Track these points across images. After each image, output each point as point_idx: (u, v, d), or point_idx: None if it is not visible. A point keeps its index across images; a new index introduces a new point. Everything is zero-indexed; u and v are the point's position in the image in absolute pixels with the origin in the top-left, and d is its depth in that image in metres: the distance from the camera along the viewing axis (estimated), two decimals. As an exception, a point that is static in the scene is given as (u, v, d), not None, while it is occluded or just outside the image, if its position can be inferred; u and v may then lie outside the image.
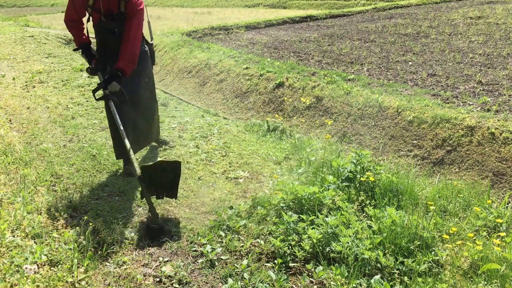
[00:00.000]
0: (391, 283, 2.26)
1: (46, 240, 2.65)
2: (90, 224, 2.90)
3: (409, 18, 12.09)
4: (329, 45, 9.01)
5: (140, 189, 3.01)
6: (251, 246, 2.67)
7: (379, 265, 2.40)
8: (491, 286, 2.22)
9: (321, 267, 2.39)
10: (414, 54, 7.61)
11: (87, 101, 6.03)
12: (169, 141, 4.52)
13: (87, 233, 2.76)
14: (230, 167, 3.93)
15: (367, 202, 2.99)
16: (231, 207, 3.13)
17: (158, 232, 2.81)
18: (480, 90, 5.31)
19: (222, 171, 3.83)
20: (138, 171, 2.91)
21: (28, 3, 35.79)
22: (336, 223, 2.62)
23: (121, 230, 2.85)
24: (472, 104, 4.73)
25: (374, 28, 10.74)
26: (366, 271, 2.37)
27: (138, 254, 2.63)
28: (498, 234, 2.70)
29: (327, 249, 2.54)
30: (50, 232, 2.73)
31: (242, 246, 2.66)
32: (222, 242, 2.71)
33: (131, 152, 3.13)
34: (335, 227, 2.62)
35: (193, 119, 5.33)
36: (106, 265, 2.50)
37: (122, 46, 3.39)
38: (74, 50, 3.78)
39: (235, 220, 2.92)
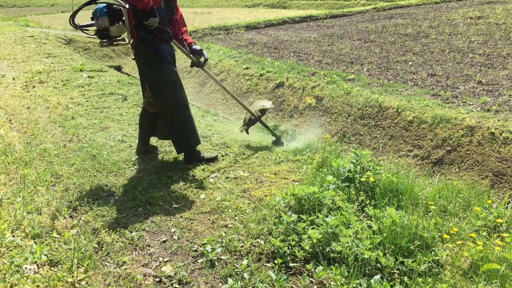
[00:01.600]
0: (391, 283, 2.26)
1: (46, 240, 2.65)
2: (90, 224, 2.91)
3: (409, 18, 12.09)
4: (329, 45, 9.01)
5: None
6: (251, 246, 2.68)
7: (379, 265, 2.40)
8: (491, 286, 2.22)
9: (321, 267, 2.39)
10: (414, 54, 7.61)
11: (87, 101, 6.04)
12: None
13: (87, 233, 2.76)
14: (230, 167, 3.93)
15: (367, 202, 2.99)
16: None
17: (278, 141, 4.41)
18: (480, 90, 5.32)
19: (222, 171, 3.83)
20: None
21: (28, 3, 35.81)
22: (336, 223, 2.62)
23: (121, 230, 2.85)
24: (472, 104, 4.73)
25: (374, 28, 10.74)
26: (366, 271, 2.37)
27: (138, 254, 2.63)
28: (498, 234, 2.70)
29: (327, 249, 2.54)
30: (50, 232, 2.73)
31: (242, 246, 2.67)
32: (222, 242, 2.71)
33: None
34: (335, 227, 2.62)
35: (193, 119, 5.33)
36: (106, 265, 2.50)
37: (183, 27, 3.95)
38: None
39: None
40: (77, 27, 3.53)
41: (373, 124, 5.00)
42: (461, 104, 4.79)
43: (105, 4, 3.47)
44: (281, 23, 12.97)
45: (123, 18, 3.46)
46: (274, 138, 4.64)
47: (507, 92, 5.11)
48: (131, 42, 3.63)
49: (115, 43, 3.57)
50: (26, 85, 6.85)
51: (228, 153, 4.25)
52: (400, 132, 4.71)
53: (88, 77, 7.41)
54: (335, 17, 13.88)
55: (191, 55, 3.94)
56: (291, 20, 13.27)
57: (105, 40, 3.53)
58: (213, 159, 4.03)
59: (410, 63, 7.01)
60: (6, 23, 15.26)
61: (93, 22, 3.51)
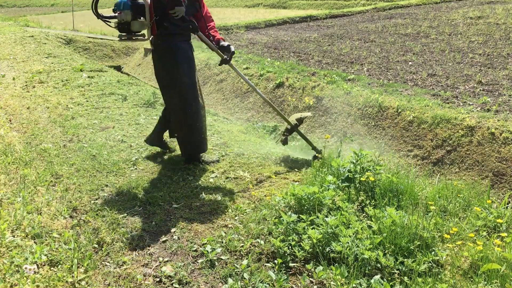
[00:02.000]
0: (391, 283, 2.26)
1: (46, 240, 2.65)
2: (90, 224, 2.91)
3: (409, 18, 12.10)
4: (329, 45, 9.01)
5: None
6: (251, 246, 2.68)
7: (379, 265, 2.40)
8: (491, 286, 2.22)
9: (321, 267, 2.39)
10: (414, 54, 7.61)
11: (87, 101, 6.04)
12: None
13: (87, 233, 2.76)
14: (230, 167, 3.92)
15: (367, 202, 2.99)
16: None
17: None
18: (480, 90, 5.32)
19: (222, 171, 3.83)
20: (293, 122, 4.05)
21: (28, 3, 35.81)
22: (336, 223, 2.62)
23: (121, 230, 2.85)
24: (472, 104, 4.73)
25: (374, 28, 10.74)
26: (366, 271, 2.37)
27: (138, 254, 2.63)
28: (498, 234, 2.69)
29: (327, 249, 2.54)
30: (50, 232, 2.73)
31: (242, 246, 2.67)
32: (222, 242, 2.71)
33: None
34: (335, 227, 2.62)
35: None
36: (106, 265, 2.50)
37: (212, 23, 3.89)
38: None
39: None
40: (100, 16, 3.50)
41: (373, 124, 5.00)
42: (461, 104, 4.79)
43: None
44: (281, 23, 12.97)
45: (145, 14, 3.43)
46: (314, 153, 4.12)
47: (507, 92, 5.11)
48: (150, 39, 3.59)
49: (133, 38, 3.53)
50: (26, 85, 6.85)
51: (228, 153, 4.24)
52: (400, 132, 4.71)
53: (88, 77, 7.41)
54: (335, 17, 13.88)
55: (219, 51, 3.79)
56: (291, 20, 13.27)
57: (124, 34, 3.49)
58: (213, 162, 4.01)
59: (410, 63, 7.01)
60: (6, 23, 15.26)
61: (116, 14, 3.47)
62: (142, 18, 3.46)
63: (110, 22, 3.57)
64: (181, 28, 3.55)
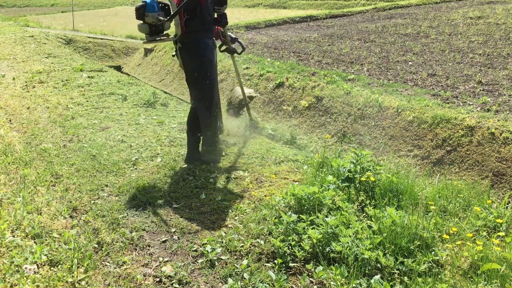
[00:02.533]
0: (391, 283, 2.26)
1: (46, 240, 2.65)
2: (90, 224, 2.91)
3: (409, 18, 12.10)
4: (329, 45, 9.01)
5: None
6: (251, 246, 2.68)
7: (379, 265, 2.40)
8: (491, 286, 2.22)
9: (321, 267, 2.39)
10: (414, 54, 7.61)
11: (87, 101, 6.03)
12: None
13: (87, 233, 2.76)
14: (230, 167, 3.92)
15: (367, 202, 2.99)
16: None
17: None
18: (480, 90, 5.32)
19: (222, 171, 3.83)
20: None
21: (28, 3, 35.81)
22: (336, 223, 2.62)
23: (121, 230, 2.85)
24: (472, 104, 4.73)
25: (374, 28, 10.74)
26: (366, 271, 2.37)
27: (138, 254, 2.63)
28: (498, 234, 2.70)
29: (327, 249, 2.54)
30: (50, 232, 2.73)
31: (242, 246, 2.67)
32: (222, 242, 2.71)
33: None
34: (335, 227, 2.62)
35: (193, 119, 5.33)
36: (106, 265, 2.50)
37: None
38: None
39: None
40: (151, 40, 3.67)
41: (373, 124, 5.00)
42: (461, 104, 4.79)
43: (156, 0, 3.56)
44: (281, 23, 12.96)
45: (172, 14, 3.53)
46: (250, 124, 4.90)
47: (507, 92, 5.11)
48: (175, 38, 3.68)
49: (157, 39, 3.64)
50: (26, 85, 6.86)
51: (228, 153, 4.24)
52: (400, 132, 4.71)
53: (88, 77, 7.41)
54: (335, 17, 13.88)
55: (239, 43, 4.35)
56: (291, 20, 13.26)
57: (154, 35, 3.59)
58: (214, 162, 4.01)
59: (410, 63, 7.01)
60: (6, 23, 15.26)
61: (159, 17, 3.54)
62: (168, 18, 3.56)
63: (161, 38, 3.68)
64: (208, 24, 3.76)
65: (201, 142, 4.04)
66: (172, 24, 3.58)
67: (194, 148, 3.99)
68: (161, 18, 3.48)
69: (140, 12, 3.49)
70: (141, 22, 3.56)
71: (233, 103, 5.28)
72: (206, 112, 3.87)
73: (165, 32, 3.64)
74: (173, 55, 4.02)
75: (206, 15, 3.69)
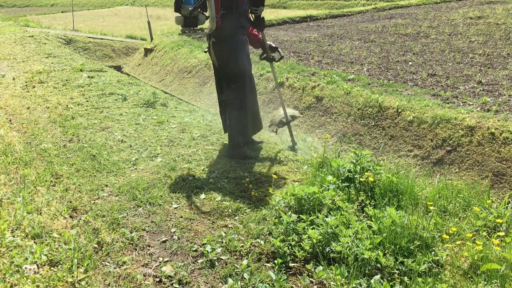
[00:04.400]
0: (391, 283, 2.26)
1: (46, 240, 2.65)
2: (90, 224, 2.91)
3: (409, 18, 12.10)
4: (329, 45, 9.01)
5: None
6: (251, 246, 2.68)
7: (379, 265, 2.40)
8: (491, 286, 2.22)
9: (321, 267, 2.39)
10: (414, 54, 7.61)
11: (87, 101, 6.04)
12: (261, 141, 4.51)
13: (87, 233, 2.76)
14: (230, 167, 3.93)
15: (367, 202, 2.99)
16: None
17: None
18: (480, 90, 5.32)
19: (222, 171, 3.83)
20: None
21: (28, 3, 35.82)
22: (336, 223, 2.62)
23: (121, 230, 2.85)
24: (472, 104, 4.73)
25: (374, 28, 10.74)
26: (366, 271, 2.37)
27: (138, 254, 2.63)
28: (498, 234, 2.70)
29: (327, 249, 2.54)
30: (50, 232, 2.73)
31: (242, 246, 2.67)
32: (222, 242, 2.71)
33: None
34: (335, 227, 2.62)
35: (193, 119, 5.33)
36: (106, 265, 2.50)
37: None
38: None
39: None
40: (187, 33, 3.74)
41: (373, 124, 5.00)
42: (461, 104, 4.79)
43: None
44: (281, 23, 12.96)
45: (208, 8, 3.61)
46: (291, 144, 4.66)
47: (507, 92, 5.11)
48: (209, 32, 3.74)
49: (190, 31, 3.70)
50: (26, 85, 6.86)
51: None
52: (400, 132, 4.71)
53: (88, 77, 7.42)
54: (335, 17, 13.88)
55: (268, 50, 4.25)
56: (291, 20, 13.26)
57: (189, 28, 3.66)
58: (253, 157, 4.08)
59: (410, 63, 7.01)
60: (6, 23, 15.27)
61: (190, 9, 3.62)
62: (205, 12, 3.68)
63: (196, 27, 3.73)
64: (243, 22, 3.81)
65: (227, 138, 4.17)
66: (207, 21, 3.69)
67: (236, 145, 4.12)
68: (192, 10, 3.57)
69: (178, 4, 3.62)
70: (178, 14, 3.67)
71: (275, 122, 4.92)
72: (236, 111, 3.95)
73: (199, 27, 3.71)
74: (205, 51, 4.09)
75: (242, 13, 3.77)
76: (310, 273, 2.43)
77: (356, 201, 3.02)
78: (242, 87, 3.90)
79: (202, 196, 3.36)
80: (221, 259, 2.56)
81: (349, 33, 10.40)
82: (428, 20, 11.32)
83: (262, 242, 2.68)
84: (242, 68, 3.86)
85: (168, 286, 2.35)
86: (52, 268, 2.39)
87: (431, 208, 2.88)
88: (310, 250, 2.55)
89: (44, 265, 2.40)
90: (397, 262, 2.41)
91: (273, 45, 4.27)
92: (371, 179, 3.07)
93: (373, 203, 2.97)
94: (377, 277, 2.28)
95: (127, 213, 3.10)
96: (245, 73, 3.89)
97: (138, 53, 11.26)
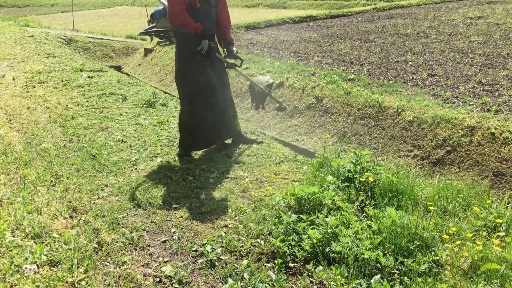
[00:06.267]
0: (391, 283, 2.26)
1: (46, 240, 2.65)
2: (90, 224, 2.91)
3: (409, 18, 12.10)
4: (329, 45, 9.01)
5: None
6: (251, 246, 2.68)
7: (379, 265, 2.40)
8: (491, 286, 2.22)
9: (321, 267, 2.39)
10: (414, 54, 7.61)
11: (87, 101, 6.04)
12: (256, 138, 4.66)
13: (87, 233, 2.76)
14: (230, 167, 3.92)
15: (367, 202, 2.99)
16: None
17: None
18: (480, 90, 5.31)
19: (222, 171, 3.83)
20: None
21: (28, 3, 35.81)
22: (336, 223, 2.62)
23: (121, 230, 2.85)
24: (472, 104, 4.73)
25: (374, 28, 10.74)
26: (366, 271, 2.37)
27: (138, 254, 2.63)
28: (498, 234, 2.70)
29: (327, 249, 2.54)
30: (50, 232, 2.73)
31: (242, 246, 2.67)
32: (222, 242, 2.71)
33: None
34: (335, 227, 2.62)
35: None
36: (106, 265, 2.50)
37: (227, 22, 4.17)
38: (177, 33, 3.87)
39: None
40: (143, 33, 4.04)
41: (373, 124, 5.00)
42: (461, 104, 4.79)
43: (162, 7, 3.94)
44: (281, 23, 12.96)
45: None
46: (277, 105, 5.12)
47: (507, 92, 5.11)
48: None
49: (168, 42, 3.92)
50: (26, 85, 6.86)
51: (227, 153, 4.24)
52: (400, 132, 4.71)
53: (88, 77, 7.41)
54: (335, 17, 13.87)
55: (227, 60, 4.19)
56: (291, 20, 13.26)
57: (163, 40, 3.85)
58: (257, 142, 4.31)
59: (410, 63, 7.01)
60: (6, 23, 15.27)
61: (155, 23, 3.94)
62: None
63: (152, 34, 4.01)
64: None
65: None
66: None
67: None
68: (162, 25, 3.94)
69: (150, 21, 4.10)
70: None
71: (256, 98, 4.96)
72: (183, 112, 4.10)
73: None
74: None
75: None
76: (310, 273, 2.43)
77: (356, 201, 3.02)
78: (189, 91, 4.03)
79: (202, 196, 3.36)
80: (221, 259, 2.56)
81: (349, 33, 10.40)
82: (428, 20, 11.32)
83: (262, 242, 2.68)
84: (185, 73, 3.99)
85: (168, 286, 2.35)
86: (52, 268, 2.39)
87: (431, 208, 2.88)
88: (310, 250, 2.55)
89: (44, 265, 2.40)
90: (397, 262, 2.41)
91: (237, 54, 4.18)
92: (371, 179, 3.07)
93: (373, 203, 2.97)
94: (377, 277, 2.28)
95: (127, 213, 3.10)
96: (189, 78, 4.00)
97: (138, 53, 11.26)
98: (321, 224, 2.64)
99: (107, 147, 4.34)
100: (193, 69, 3.91)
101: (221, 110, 4.05)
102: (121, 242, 2.72)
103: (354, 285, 2.25)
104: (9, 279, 2.23)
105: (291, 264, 2.50)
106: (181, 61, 3.93)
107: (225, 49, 4.17)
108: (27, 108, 5.67)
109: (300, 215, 2.78)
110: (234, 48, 4.11)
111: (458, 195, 3.25)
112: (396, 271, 2.37)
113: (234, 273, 2.43)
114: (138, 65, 10.55)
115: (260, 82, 4.78)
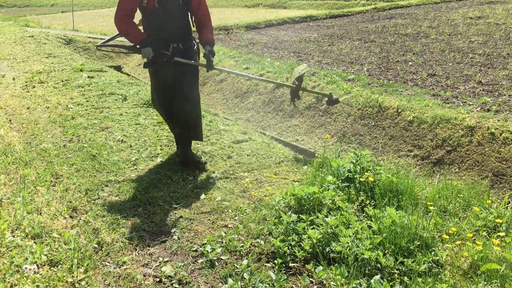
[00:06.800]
0: (391, 283, 2.26)
1: (46, 240, 2.65)
2: (90, 224, 2.91)
3: (409, 18, 12.09)
4: (329, 45, 9.01)
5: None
6: (251, 246, 2.68)
7: (379, 265, 2.40)
8: (491, 286, 2.22)
9: (321, 267, 2.39)
10: (414, 54, 7.61)
11: (87, 101, 6.03)
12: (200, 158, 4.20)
13: (87, 233, 2.76)
14: (230, 167, 3.93)
15: (367, 202, 2.99)
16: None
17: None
18: (480, 90, 5.31)
19: (222, 171, 3.83)
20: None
21: (28, 3, 35.78)
22: (336, 223, 2.62)
23: (121, 230, 2.85)
24: (472, 104, 4.73)
25: (374, 28, 10.74)
26: (366, 271, 2.37)
27: (138, 254, 2.63)
28: (498, 234, 2.70)
29: (327, 249, 2.54)
30: (50, 232, 2.73)
31: (242, 246, 2.67)
32: (222, 242, 2.71)
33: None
34: (335, 227, 2.62)
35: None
36: (106, 265, 2.50)
37: (204, 21, 3.80)
38: (134, 47, 3.73)
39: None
40: (103, 46, 4.22)
41: (373, 124, 5.00)
42: (461, 104, 4.79)
43: None
44: (281, 23, 12.96)
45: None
46: (326, 99, 4.97)
47: (507, 92, 5.11)
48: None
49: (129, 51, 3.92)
50: (26, 85, 6.86)
51: (227, 153, 4.24)
52: (400, 132, 4.71)
53: (88, 77, 7.41)
54: (335, 17, 13.87)
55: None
56: (291, 20, 13.26)
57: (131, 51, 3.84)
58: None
59: (410, 63, 7.01)
60: (6, 23, 15.26)
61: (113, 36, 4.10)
62: None
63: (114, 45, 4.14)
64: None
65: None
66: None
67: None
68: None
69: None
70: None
71: (293, 96, 4.75)
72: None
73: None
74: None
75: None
76: (310, 273, 2.43)
77: (356, 201, 3.02)
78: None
79: (202, 196, 3.36)
80: (221, 259, 2.56)
81: (349, 33, 10.40)
82: (428, 20, 11.32)
83: (262, 242, 2.68)
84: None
85: (168, 286, 2.35)
86: (52, 268, 2.39)
87: (431, 208, 2.88)
88: (310, 250, 2.55)
89: (44, 265, 2.40)
90: (397, 262, 2.41)
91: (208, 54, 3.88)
92: (371, 179, 3.07)
93: (373, 203, 2.97)
94: (377, 277, 2.28)
95: (127, 213, 3.10)
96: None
97: (138, 53, 11.23)
98: (321, 224, 2.65)
99: (107, 147, 4.34)
100: (152, 77, 3.89)
101: (182, 115, 3.85)
102: (121, 242, 2.72)
103: (354, 285, 2.25)
104: (9, 279, 2.23)
105: (291, 264, 2.50)
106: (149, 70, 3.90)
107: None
108: (27, 108, 5.67)
109: (300, 215, 2.78)
110: (208, 48, 3.77)
111: (458, 195, 3.25)
112: (396, 271, 2.37)
113: (234, 273, 2.43)
114: (138, 65, 10.55)
115: (294, 75, 4.57)
